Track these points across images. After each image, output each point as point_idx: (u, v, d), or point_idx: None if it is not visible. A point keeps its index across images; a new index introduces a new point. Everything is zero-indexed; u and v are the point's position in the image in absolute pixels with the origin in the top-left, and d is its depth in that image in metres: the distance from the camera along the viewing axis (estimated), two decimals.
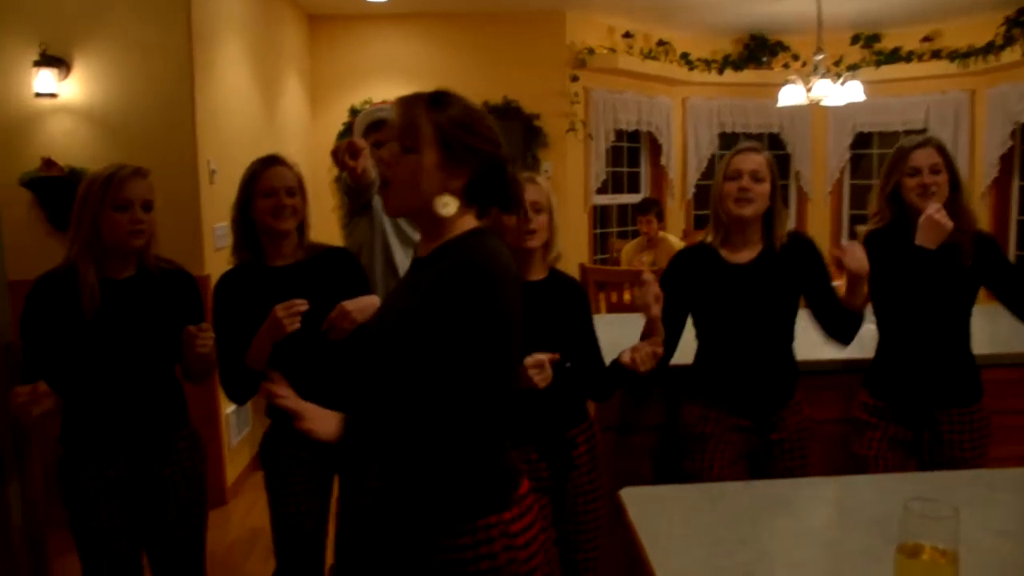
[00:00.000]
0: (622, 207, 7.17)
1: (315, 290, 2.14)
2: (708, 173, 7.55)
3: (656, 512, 1.66)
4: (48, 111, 3.81)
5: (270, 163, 2.22)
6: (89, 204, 2.04)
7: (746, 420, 2.31)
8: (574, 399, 2.19)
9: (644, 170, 7.38)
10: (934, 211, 2.22)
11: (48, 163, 3.69)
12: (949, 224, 2.22)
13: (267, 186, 2.18)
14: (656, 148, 7.18)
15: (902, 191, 2.34)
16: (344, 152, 2.40)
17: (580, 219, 6.58)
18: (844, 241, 2.24)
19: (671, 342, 2.31)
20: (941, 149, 2.33)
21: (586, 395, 2.26)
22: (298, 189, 2.22)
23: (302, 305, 2.01)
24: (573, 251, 6.34)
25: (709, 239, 2.35)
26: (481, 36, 6.16)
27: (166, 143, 3.87)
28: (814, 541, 1.55)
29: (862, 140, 7.31)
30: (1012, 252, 6.51)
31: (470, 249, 1.46)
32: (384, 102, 3.07)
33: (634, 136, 7.18)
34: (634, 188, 7.27)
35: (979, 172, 6.57)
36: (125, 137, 3.86)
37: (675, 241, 5.43)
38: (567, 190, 6.40)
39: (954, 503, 1.70)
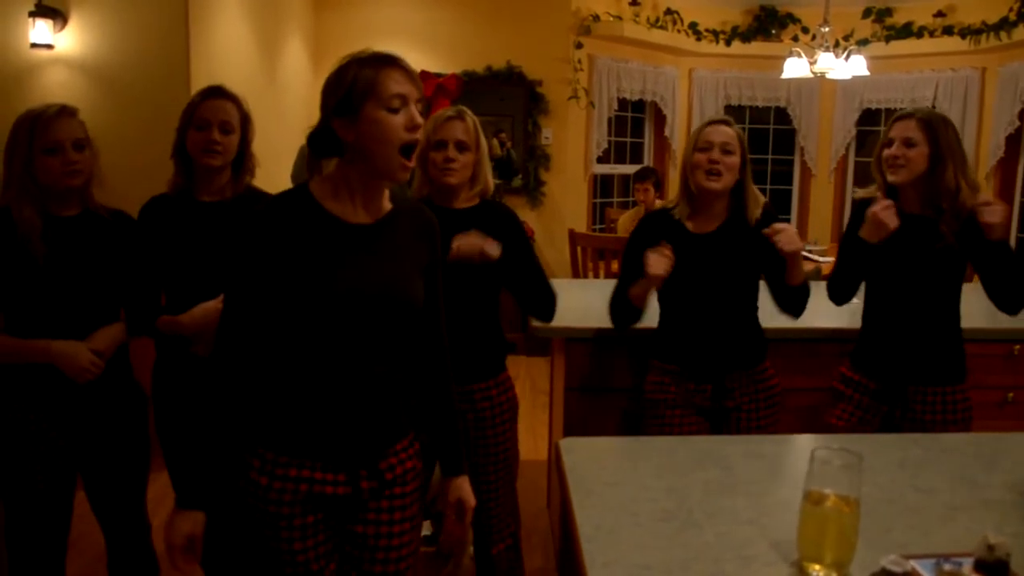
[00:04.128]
0: (624, 177, 7.15)
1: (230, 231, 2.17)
2: None
3: (590, 460, 1.70)
4: (44, 62, 3.85)
5: (209, 95, 2.17)
6: (18, 151, 2.01)
7: (702, 385, 2.34)
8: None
9: (647, 140, 7.35)
10: (880, 208, 2.22)
11: None
12: (892, 222, 2.21)
13: (201, 118, 2.13)
14: (660, 119, 7.15)
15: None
16: None
17: (580, 187, 6.58)
18: (778, 224, 2.26)
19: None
20: (926, 123, 2.23)
21: (532, 312, 2.40)
22: (236, 126, 2.18)
23: None
24: (571, 219, 6.35)
25: (676, 211, 2.37)
26: (486, 0, 6.16)
27: (161, 96, 3.90)
28: (739, 492, 1.59)
29: (869, 116, 7.23)
30: (1014, 234, 6.45)
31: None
32: None
33: (638, 106, 7.15)
34: (636, 158, 7.25)
35: (985, 152, 6.50)
36: (120, 89, 3.90)
37: None
38: (567, 157, 6.40)
39: (888, 462, 1.74)
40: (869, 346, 2.40)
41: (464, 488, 1.72)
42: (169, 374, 2.27)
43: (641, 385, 2.49)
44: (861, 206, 2.40)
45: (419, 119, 1.47)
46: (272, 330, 1.51)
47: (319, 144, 1.52)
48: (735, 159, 2.27)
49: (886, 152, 2.28)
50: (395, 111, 1.45)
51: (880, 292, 2.39)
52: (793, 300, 2.35)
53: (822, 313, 2.71)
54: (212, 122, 2.13)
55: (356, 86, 1.44)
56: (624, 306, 2.40)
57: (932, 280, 2.30)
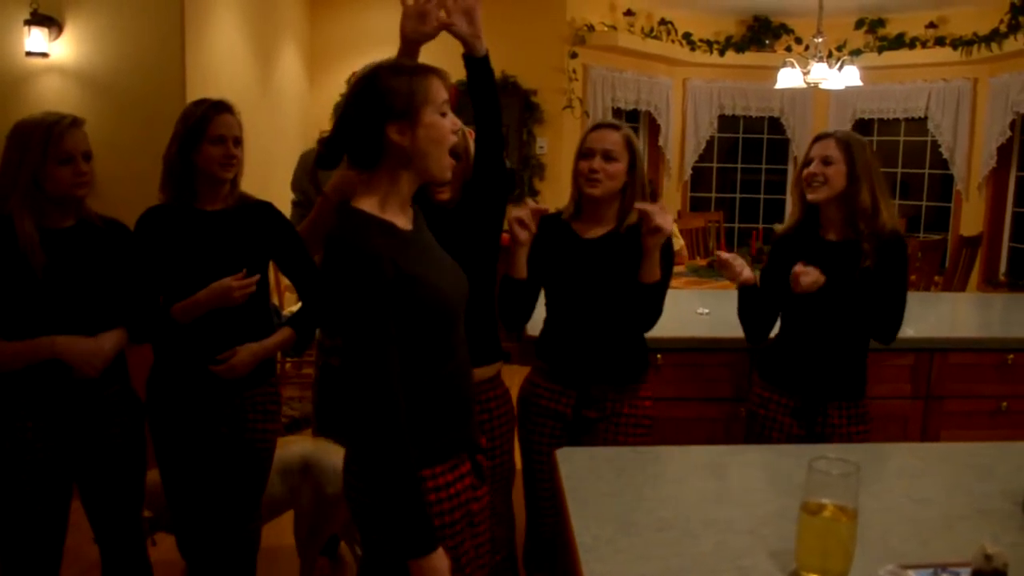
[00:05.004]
0: None
1: (241, 238, 2.23)
2: (706, 155, 7.55)
3: (587, 471, 1.70)
4: (39, 70, 3.85)
5: (221, 109, 2.20)
6: (28, 160, 2.00)
7: (568, 390, 2.29)
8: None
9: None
10: (798, 269, 2.21)
11: None
12: (807, 281, 2.20)
13: (217, 133, 2.16)
14: (655, 128, 7.17)
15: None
16: None
17: None
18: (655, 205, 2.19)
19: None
20: (843, 142, 2.27)
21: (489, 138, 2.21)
22: (241, 139, 2.23)
23: (254, 278, 2.13)
24: None
25: (564, 213, 2.34)
26: (481, 9, 6.10)
27: (156, 104, 3.91)
28: (736, 502, 1.59)
29: (862, 126, 7.27)
30: (1006, 244, 6.49)
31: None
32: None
33: (633, 115, 7.17)
34: None
35: (977, 162, 6.54)
36: (115, 97, 3.91)
37: None
38: (562, 167, 6.40)
39: (885, 471, 1.75)
40: (787, 366, 2.37)
41: None
42: (164, 383, 2.27)
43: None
44: (779, 243, 2.42)
45: (458, 121, 1.59)
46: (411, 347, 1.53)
47: (363, 153, 1.54)
48: (618, 166, 2.21)
49: (806, 171, 2.31)
50: (444, 115, 1.55)
51: (800, 315, 2.36)
52: (645, 301, 2.23)
53: None
54: (227, 137, 2.18)
55: (417, 94, 1.52)
56: (507, 288, 2.27)
57: (847, 303, 2.28)
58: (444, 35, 2.05)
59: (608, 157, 2.20)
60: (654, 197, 5.65)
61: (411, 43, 2.02)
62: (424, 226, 1.65)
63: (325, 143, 1.57)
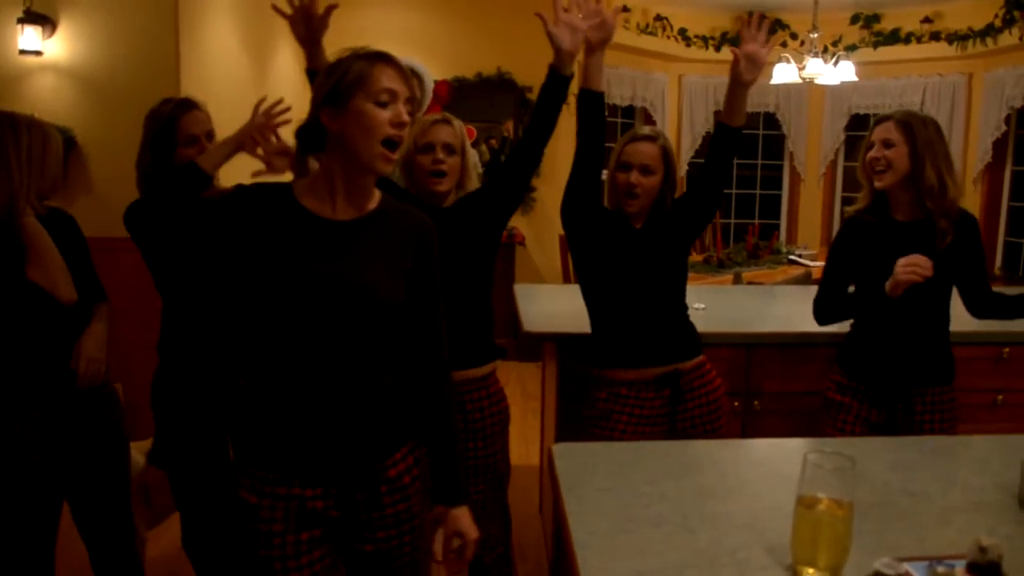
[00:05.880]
0: None
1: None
2: (702, 151, 7.54)
3: (583, 466, 1.69)
4: (33, 69, 3.84)
5: (187, 107, 2.19)
6: (49, 162, 2.05)
7: (661, 391, 2.28)
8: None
9: None
10: (902, 269, 2.18)
11: None
12: (914, 278, 2.16)
13: (188, 134, 2.16)
14: (650, 125, 7.17)
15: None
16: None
17: None
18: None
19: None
20: (903, 123, 2.23)
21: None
22: (213, 132, 2.22)
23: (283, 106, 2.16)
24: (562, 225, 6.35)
25: (610, 206, 2.35)
26: (476, 6, 6.10)
27: (150, 103, 3.82)
28: (733, 497, 1.59)
29: (857, 122, 7.29)
30: (1001, 238, 6.50)
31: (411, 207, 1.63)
32: None
33: (628, 112, 7.17)
34: None
35: (972, 157, 6.55)
36: (109, 96, 3.89)
37: None
38: (557, 164, 6.38)
39: (881, 465, 1.75)
40: (865, 352, 2.38)
41: (463, 519, 1.59)
42: (171, 382, 2.24)
43: (589, 396, 2.39)
44: (850, 223, 2.41)
45: (405, 117, 1.48)
46: (246, 331, 1.49)
47: (305, 137, 1.51)
48: (655, 179, 2.24)
49: (868, 155, 2.29)
50: (383, 105, 1.45)
51: (880, 302, 2.34)
52: (730, 144, 2.26)
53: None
54: (199, 135, 2.17)
55: (346, 77, 1.45)
56: (589, 101, 2.26)
57: (927, 286, 2.26)
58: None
59: (645, 171, 2.21)
60: None
61: (307, 43, 2.04)
62: (376, 227, 1.53)
63: (296, 129, 1.54)
